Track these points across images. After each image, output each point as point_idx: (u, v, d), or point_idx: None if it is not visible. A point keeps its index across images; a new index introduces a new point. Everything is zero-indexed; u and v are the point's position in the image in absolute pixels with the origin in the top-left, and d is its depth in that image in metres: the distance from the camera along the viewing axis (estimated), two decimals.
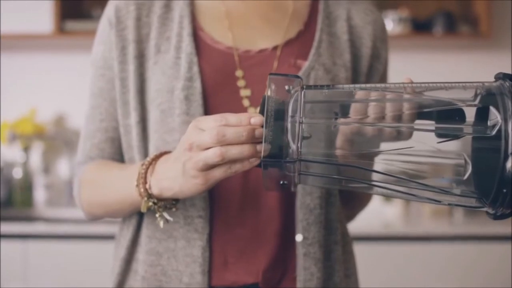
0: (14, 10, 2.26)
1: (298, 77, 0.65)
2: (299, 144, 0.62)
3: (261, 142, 0.63)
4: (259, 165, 0.65)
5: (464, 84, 0.63)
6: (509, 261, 1.94)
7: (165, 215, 0.75)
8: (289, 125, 0.63)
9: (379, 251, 1.98)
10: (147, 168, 0.75)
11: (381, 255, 1.98)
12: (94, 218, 0.89)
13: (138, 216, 0.85)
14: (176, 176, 0.70)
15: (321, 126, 0.68)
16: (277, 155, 0.62)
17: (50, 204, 2.36)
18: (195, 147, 0.65)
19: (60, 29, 2.27)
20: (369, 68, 0.90)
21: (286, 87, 0.64)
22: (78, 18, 2.35)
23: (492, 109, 0.59)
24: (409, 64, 2.45)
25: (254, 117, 0.63)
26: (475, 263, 1.97)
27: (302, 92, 0.64)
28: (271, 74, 0.65)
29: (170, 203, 0.75)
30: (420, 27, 2.34)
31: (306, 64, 0.84)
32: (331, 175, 0.69)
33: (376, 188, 0.67)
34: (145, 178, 0.74)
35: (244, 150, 0.63)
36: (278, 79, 0.65)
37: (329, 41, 0.87)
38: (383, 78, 0.94)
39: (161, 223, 0.75)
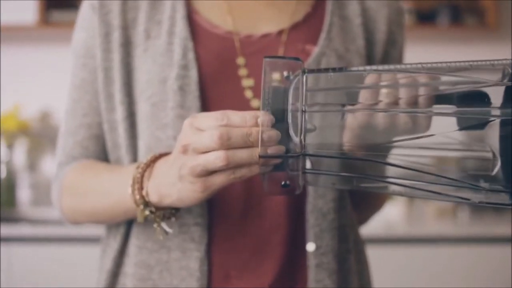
0: None
1: (297, 59, 0.61)
2: (302, 137, 0.59)
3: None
4: (271, 171, 0.61)
5: (492, 62, 0.59)
6: None
7: (164, 226, 0.71)
8: (289, 116, 0.60)
9: (382, 253, 1.98)
10: (144, 172, 0.70)
11: (384, 257, 1.98)
12: (77, 224, 0.85)
13: (126, 224, 0.81)
14: (174, 182, 0.65)
15: (326, 116, 0.65)
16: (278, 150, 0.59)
17: (35, 204, 2.36)
18: (191, 150, 0.61)
19: (45, 20, 2.30)
20: (384, 55, 0.88)
21: (285, 73, 0.61)
22: (64, 8, 2.35)
23: None
24: (413, 57, 2.42)
25: (262, 116, 0.59)
26: (480, 265, 1.98)
27: (304, 77, 0.61)
28: (266, 57, 0.61)
29: (169, 212, 0.71)
30: (424, 18, 2.38)
31: (316, 50, 0.81)
32: (340, 173, 0.65)
33: (393, 187, 0.64)
34: (141, 183, 0.70)
35: (254, 153, 0.59)
36: (275, 63, 0.61)
37: (340, 24, 0.84)
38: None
39: (160, 236, 0.71)
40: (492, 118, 0.58)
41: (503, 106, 0.57)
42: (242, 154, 0.59)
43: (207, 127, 0.60)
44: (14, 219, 2.25)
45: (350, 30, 0.85)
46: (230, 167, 0.60)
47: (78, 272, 1.92)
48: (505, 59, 0.57)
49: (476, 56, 2.45)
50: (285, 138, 0.59)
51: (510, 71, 0.57)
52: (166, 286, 0.77)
